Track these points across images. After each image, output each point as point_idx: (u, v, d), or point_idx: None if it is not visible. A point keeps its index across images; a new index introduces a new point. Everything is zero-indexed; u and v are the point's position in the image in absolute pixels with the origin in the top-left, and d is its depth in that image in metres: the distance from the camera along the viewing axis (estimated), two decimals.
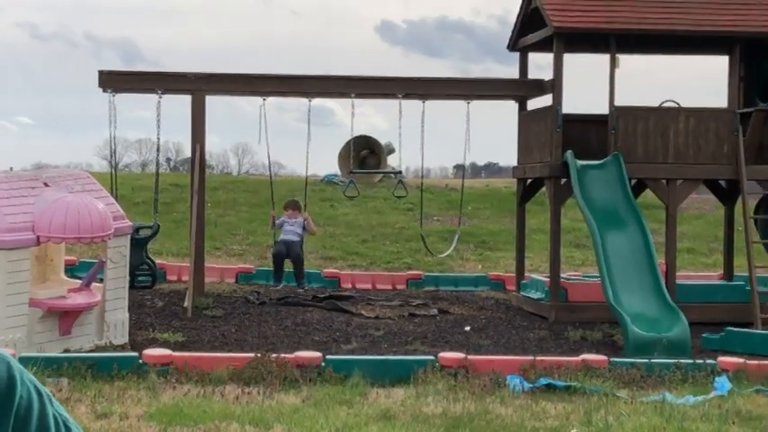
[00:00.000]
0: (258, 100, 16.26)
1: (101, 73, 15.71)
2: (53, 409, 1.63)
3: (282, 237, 17.16)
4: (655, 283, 13.91)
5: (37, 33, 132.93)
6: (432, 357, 11.04)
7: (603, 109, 15.59)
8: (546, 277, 16.04)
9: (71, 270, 15.66)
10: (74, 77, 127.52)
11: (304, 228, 17.26)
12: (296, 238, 17.13)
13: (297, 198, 17.97)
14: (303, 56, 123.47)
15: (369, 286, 18.30)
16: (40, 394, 1.61)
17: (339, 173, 22.28)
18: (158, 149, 17.03)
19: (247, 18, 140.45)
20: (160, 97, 15.71)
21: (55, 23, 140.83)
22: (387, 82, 16.60)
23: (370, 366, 10.64)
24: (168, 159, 69.37)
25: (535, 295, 16.09)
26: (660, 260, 14.84)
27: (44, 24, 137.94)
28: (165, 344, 12.18)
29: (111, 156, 17.35)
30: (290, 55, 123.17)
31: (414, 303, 16.31)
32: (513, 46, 17.25)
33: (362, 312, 15.35)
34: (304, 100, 16.46)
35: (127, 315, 12.74)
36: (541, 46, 16.44)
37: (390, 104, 16.49)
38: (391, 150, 20.48)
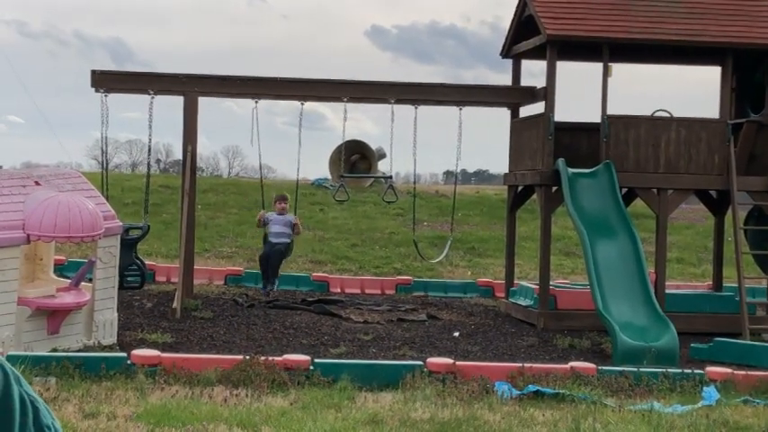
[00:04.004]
0: (249, 103, 16.24)
1: (93, 73, 15.69)
2: (20, 389, 1.60)
3: (271, 238, 16.65)
4: (644, 293, 13.92)
5: (26, 31, 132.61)
6: (420, 363, 11.02)
7: (595, 117, 15.62)
8: (535, 284, 16.06)
9: (60, 269, 15.62)
10: (63, 76, 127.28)
11: (292, 227, 16.78)
12: (284, 240, 16.57)
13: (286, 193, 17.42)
14: (292, 60, 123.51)
15: (358, 291, 18.30)
16: (5, 374, 1.59)
17: (329, 177, 22.28)
18: (149, 150, 17.01)
19: (237, 21, 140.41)
20: (152, 98, 15.69)
21: (44, 22, 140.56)
22: (379, 87, 16.62)
23: (358, 370, 10.63)
24: (158, 161, 69.30)
25: (524, 302, 16.10)
26: (650, 269, 14.86)
27: (33, 22, 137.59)
28: (153, 345, 12.15)
29: (102, 155, 17.28)
30: (280, 58, 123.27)
31: (402, 308, 16.30)
32: (506, 53, 17.26)
33: (351, 317, 15.33)
34: (295, 103, 16.46)
35: (115, 315, 12.71)
36: (534, 53, 16.45)
37: (382, 110, 16.48)
38: (382, 155, 20.49)
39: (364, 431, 8.61)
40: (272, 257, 16.52)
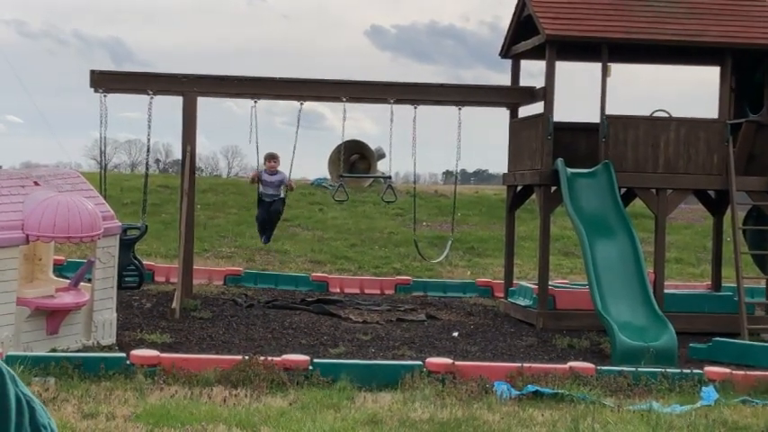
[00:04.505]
0: (248, 103, 16.22)
1: (92, 73, 15.68)
2: (16, 389, 1.60)
3: (264, 198, 16.43)
4: (643, 293, 13.93)
5: (25, 31, 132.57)
6: (419, 363, 11.03)
7: (594, 117, 15.63)
8: (534, 284, 16.06)
9: (59, 269, 15.61)
10: (63, 76, 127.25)
11: (283, 184, 16.68)
12: (276, 198, 16.45)
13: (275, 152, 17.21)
14: (292, 59, 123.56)
15: (357, 291, 18.30)
16: (1, 374, 1.59)
17: (329, 177, 22.30)
18: (148, 150, 16.99)
19: (237, 21, 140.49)
20: (152, 98, 15.68)
21: (44, 21, 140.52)
22: (379, 86, 16.62)
23: (357, 371, 10.63)
24: (158, 161, 69.29)
25: (523, 302, 16.10)
26: (648, 269, 14.86)
27: (33, 22, 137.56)
28: (152, 345, 12.15)
29: (101, 156, 17.28)
30: (280, 58, 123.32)
31: (402, 308, 16.30)
32: (505, 53, 17.27)
33: (350, 317, 15.34)
34: (294, 103, 16.44)
35: (115, 315, 12.71)
36: (534, 53, 16.46)
37: (381, 109, 16.42)
38: (381, 155, 20.49)
39: (363, 431, 8.61)
40: (271, 216, 16.54)
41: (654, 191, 15.62)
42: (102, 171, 17.31)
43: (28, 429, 1.59)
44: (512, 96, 17.04)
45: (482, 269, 21.69)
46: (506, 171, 17.49)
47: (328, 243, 23.64)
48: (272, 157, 16.52)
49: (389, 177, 17.96)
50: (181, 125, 15.94)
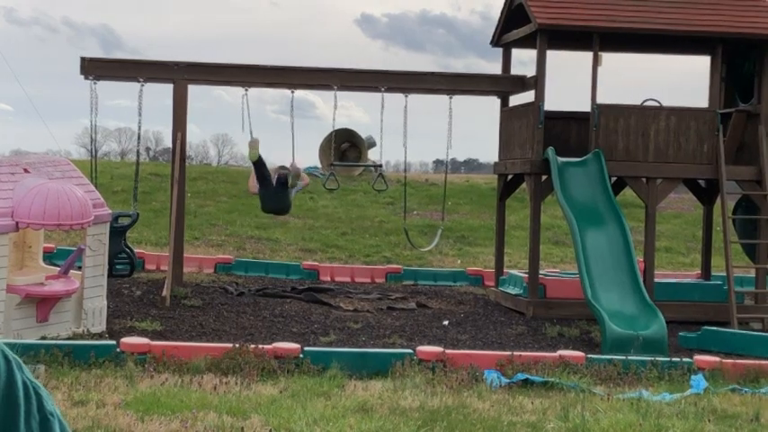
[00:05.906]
0: (239, 90, 16.20)
1: (83, 60, 15.65)
2: (23, 376, 1.60)
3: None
4: (633, 281, 13.95)
5: (14, 18, 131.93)
6: (410, 351, 11.05)
7: (585, 106, 15.64)
8: (524, 273, 16.08)
9: (49, 257, 15.60)
10: (53, 64, 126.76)
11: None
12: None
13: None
14: (282, 48, 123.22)
15: (348, 279, 18.31)
16: (8, 361, 1.58)
17: (319, 165, 22.28)
18: (139, 137, 16.96)
19: (228, 9, 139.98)
20: (142, 86, 15.65)
21: (33, 8, 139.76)
22: (370, 75, 16.59)
23: (348, 359, 10.65)
24: (148, 149, 69.14)
25: (513, 291, 16.12)
26: (639, 258, 14.89)
27: (22, 8, 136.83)
28: (142, 333, 12.14)
29: (92, 143, 17.24)
30: (269, 46, 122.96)
31: (392, 297, 16.31)
32: (496, 41, 17.26)
33: (341, 305, 15.35)
34: (285, 92, 16.42)
35: (105, 303, 12.70)
36: (525, 42, 16.45)
37: (371, 98, 16.34)
38: (372, 144, 20.46)
39: (354, 419, 8.61)
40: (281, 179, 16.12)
41: (644, 180, 15.64)
42: (93, 159, 17.27)
43: (36, 416, 1.58)
44: (503, 85, 17.04)
45: (472, 258, 21.71)
46: (497, 160, 17.50)
47: (319, 231, 23.64)
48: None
49: (380, 166, 17.95)
50: (171, 113, 15.91)
